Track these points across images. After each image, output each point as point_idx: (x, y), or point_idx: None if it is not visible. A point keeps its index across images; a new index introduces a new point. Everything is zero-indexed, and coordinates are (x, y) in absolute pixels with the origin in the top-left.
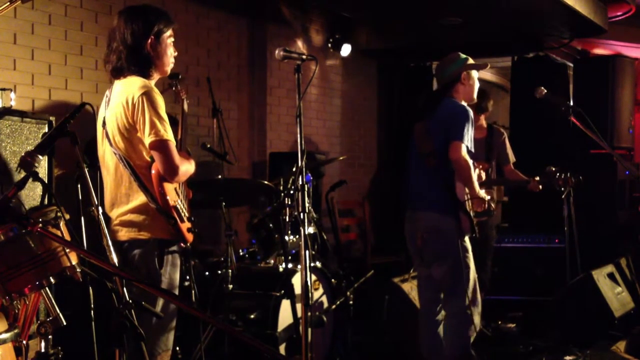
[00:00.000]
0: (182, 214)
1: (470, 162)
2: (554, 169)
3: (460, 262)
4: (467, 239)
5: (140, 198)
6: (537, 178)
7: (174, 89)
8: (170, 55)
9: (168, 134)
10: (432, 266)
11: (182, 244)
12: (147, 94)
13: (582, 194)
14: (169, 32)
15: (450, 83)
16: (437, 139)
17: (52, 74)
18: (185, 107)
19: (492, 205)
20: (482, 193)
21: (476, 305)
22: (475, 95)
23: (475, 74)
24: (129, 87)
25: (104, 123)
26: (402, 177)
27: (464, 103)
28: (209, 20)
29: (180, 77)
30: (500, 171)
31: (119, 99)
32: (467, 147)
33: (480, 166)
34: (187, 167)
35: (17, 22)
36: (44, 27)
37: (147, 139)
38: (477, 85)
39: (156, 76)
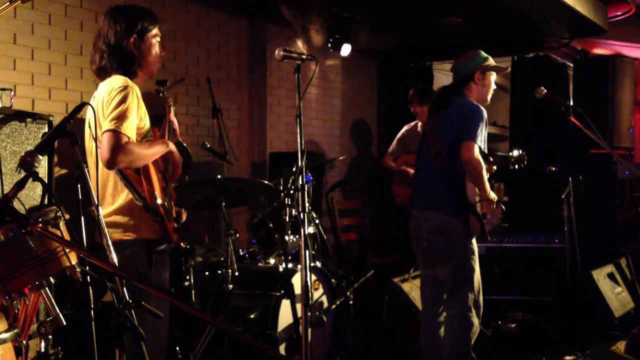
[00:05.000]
0: (169, 214)
1: (483, 163)
2: (553, 168)
3: (465, 264)
4: (474, 240)
5: (124, 197)
6: (490, 158)
7: (160, 95)
8: (156, 55)
9: (128, 130)
10: (436, 267)
11: (172, 244)
12: (123, 90)
13: (582, 194)
14: (155, 31)
15: (464, 80)
16: (447, 138)
17: (52, 74)
18: (172, 114)
19: (502, 207)
20: (492, 194)
21: (478, 307)
22: (489, 97)
23: (493, 75)
24: (108, 86)
25: (95, 124)
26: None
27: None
28: (209, 21)
29: (167, 84)
30: None
31: (100, 99)
32: (480, 147)
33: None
34: (140, 153)
35: (17, 22)
36: (44, 27)
37: (105, 126)
38: (493, 87)
39: (142, 76)
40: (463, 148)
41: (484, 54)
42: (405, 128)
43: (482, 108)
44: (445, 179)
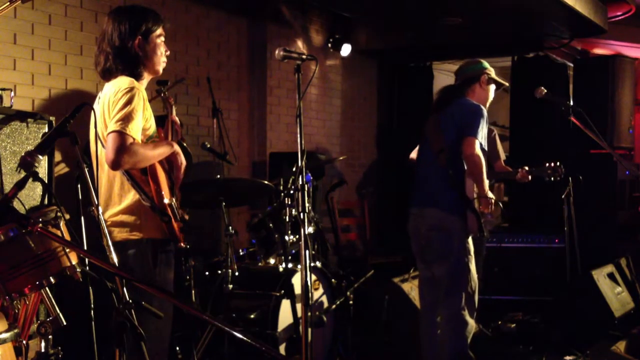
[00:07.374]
0: (176, 214)
1: (483, 159)
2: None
3: (461, 263)
4: (470, 240)
5: (131, 197)
6: (526, 168)
7: (162, 95)
8: (160, 55)
9: (133, 131)
10: (433, 265)
11: (179, 244)
12: (129, 92)
13: (582, 194)
14: (159, 31)
15: (469, 81)
16: (449, 135)
17: (52, 74)
18: (174, 114)
19: (501, 206)
20: (490, 194)
21: (472, 307)
22: (487, 104)
23: (493, 86)
24: (114, 86)
25: (95, 124)
26: (400, 176)
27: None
28: (209, 21)
29: (168, 83)
30: (490, 168)
31: (106, 98)
32: (481, 144)
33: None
34: (144, 154)
35: (17, 22)
36: (44, 27)
37: (110, 127)
38: (492, 96)
39: (147, 76)
40: (465, 144)
41: (487, 63)
42: None
43: (483, 107)
44: (445, 176)
